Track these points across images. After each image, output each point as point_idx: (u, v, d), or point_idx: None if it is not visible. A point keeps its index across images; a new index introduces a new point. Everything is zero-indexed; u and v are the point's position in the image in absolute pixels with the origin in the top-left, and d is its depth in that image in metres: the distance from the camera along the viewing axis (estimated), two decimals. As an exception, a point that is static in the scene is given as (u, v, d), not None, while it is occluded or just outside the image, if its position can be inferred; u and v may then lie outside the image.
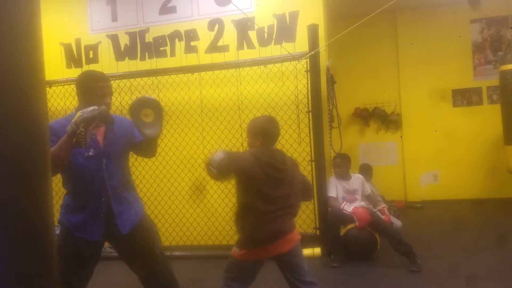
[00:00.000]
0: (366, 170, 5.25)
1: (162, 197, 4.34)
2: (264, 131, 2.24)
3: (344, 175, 3.92)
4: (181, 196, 4.31)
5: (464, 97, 6.21)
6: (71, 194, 2.21)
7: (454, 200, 5.87)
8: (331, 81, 4.19)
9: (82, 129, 1.86)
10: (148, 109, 2.10)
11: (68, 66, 4.70)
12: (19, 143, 1.06)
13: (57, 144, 1.94)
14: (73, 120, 1.91)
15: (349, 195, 3.87)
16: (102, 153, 2.17)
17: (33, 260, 1.09)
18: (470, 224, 4.60)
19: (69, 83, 4.47)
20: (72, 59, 4.69)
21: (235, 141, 4.10)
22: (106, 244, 2.80)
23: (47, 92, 4.60)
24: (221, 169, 1.94)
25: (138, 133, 2.22)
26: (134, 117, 2.10)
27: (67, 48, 4.69)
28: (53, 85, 4.54)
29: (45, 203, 1.15)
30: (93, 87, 2.16)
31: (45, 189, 1.16)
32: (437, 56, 6.08)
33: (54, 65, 4.65)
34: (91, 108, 1.93)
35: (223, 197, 4.04)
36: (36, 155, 1.12)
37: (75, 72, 4.60)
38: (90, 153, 2.13)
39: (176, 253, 3.95)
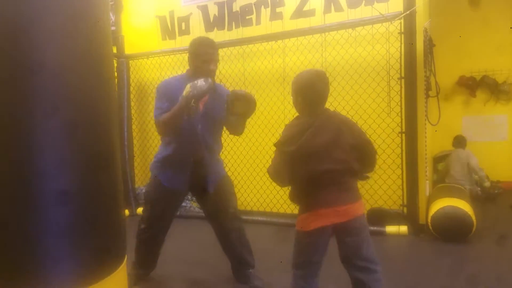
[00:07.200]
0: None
1: (244, 164, 4.45)
2: (304, 95, 1.84)
3: None
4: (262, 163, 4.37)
5: None
6: (166, 147, 2.46)
7: None
8: (429, 44, 3.77)
9: (193, 104, 2.12)
10: (239, 101, 2.27)
11: (163, 38, 4.97)
12: (88, 110, 1.18)
13: (171, 112, 2.22)
14: (184, 94, 2.14)
15: None
16: (199, 119, 2.34)
17: (103, 229, 1.23)
18: None
19: (164, 54, 4.76)
20: (167, 31, 4.95)
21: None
22: (195, 204, 3.02)
23: (145, 63, 4.99)
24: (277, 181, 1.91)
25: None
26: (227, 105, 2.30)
27: (162, 21, 4.95)
28: (150, 56, 4.88)
29: (114, 168, 1.26)
30: (200, 53, 2.35)
31: (114, 150, 1.29)
32: None
33: (151, 37, 4.98)
34: (200, 83, 2.13)
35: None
36: (101, 119, 1.24)
37: (169, 44, 4.89)
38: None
39: (255, 218, 4.06)
